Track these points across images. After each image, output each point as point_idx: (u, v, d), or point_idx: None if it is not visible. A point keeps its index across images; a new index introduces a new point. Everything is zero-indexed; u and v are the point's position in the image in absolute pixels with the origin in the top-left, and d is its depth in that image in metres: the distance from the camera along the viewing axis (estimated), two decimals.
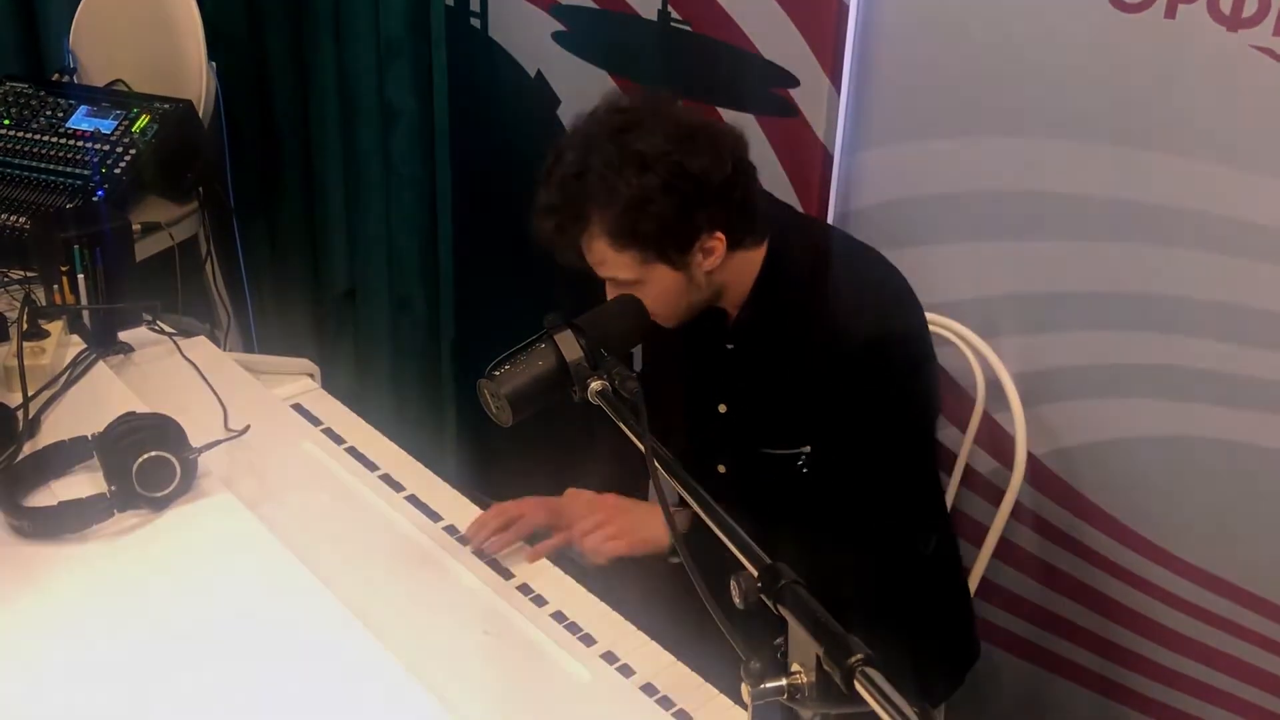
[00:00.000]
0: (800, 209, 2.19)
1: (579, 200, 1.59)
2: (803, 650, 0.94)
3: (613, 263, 1.62)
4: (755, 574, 1.00)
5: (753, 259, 1.69)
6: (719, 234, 1.62)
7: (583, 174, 1.59)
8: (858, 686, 0.87)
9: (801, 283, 1.69)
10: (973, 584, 2.02)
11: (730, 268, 1.67)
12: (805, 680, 0.94)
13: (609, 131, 1.60)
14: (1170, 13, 1.70)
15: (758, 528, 1.71)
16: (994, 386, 2.01)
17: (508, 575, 1.64)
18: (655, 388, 1.85)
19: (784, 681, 0.95)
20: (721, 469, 1.83)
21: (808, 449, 1.72)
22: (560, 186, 1.61)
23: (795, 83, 2.15)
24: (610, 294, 1.66)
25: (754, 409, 1.78)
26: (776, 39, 2.15)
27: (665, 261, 1.61)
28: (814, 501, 1.71)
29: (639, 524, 1.68)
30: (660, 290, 1.64)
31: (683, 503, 1.21)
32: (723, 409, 1.80)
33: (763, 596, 0.98)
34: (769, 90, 2.19)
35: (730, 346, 1.77)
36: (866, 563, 1.66)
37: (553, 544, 1.71)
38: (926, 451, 1.82)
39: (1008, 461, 1.99)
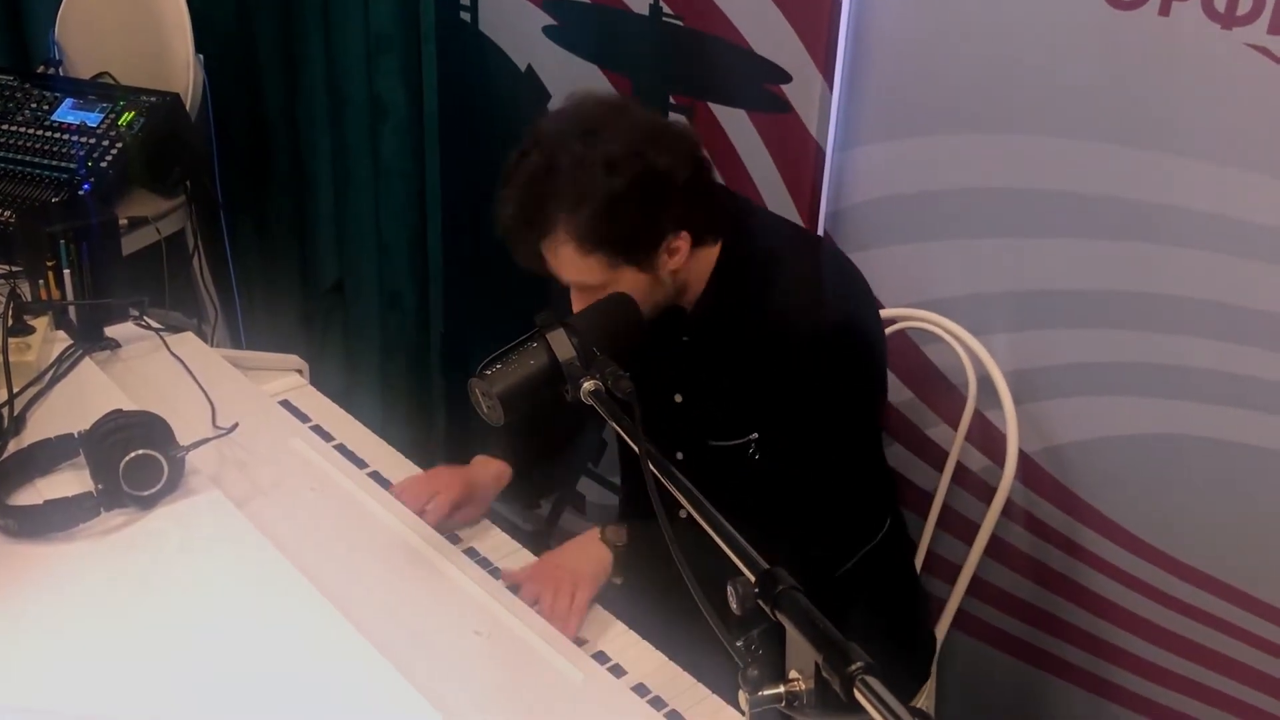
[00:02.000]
0: (791, 204, 2.19)
1: (545, 203, 1.56)
2: (801, 657, 0.93)
3: (579, 267, 1.59)
4: (752, 579, 0.99)
5: (711, 254, 1.69)
6: (684, 233, 1.61)
7: (549, 175, 1.55)
8: (857, 695, 0.86)
9: (755, 274, 1.69)
10: (963, 582, 2.02)
11: (691, 266, 1.66)
12: (803, 688, 0.93)
13: (576, 132, 1.57)
14: (1164, 10, 1.69)
15: (734, 515, 1.74)
16: (985, 384, 2.01)
17: (498, 574, 1.64)
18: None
19: (782, 689, 0.95)
20: (680, 456, 1.81)
21: (755, 436, 1.72)
22: (525, 189, 1.58)
23: (788, 78, 2.14)
24: (576, 301, 1.63)
25: (707, 400, 1.77)
26: (769, 34, 2.14)
27: (633, 264, 1.59)
28: (764, 490, 1.71)
29: (576, 572, 1.63)
30: (628, 290, 1.60)
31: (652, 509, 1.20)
32: (678, 399, 1.79)
33: (760, 602, 0.97)
34: (761, 86, 2.18)
35: (686, 339, 1.76)
36: (815, 550, 1.67)
37: (464, 519, 1.75)
38: (872, 437, 1.83)
39: (999, 459, 1.99)
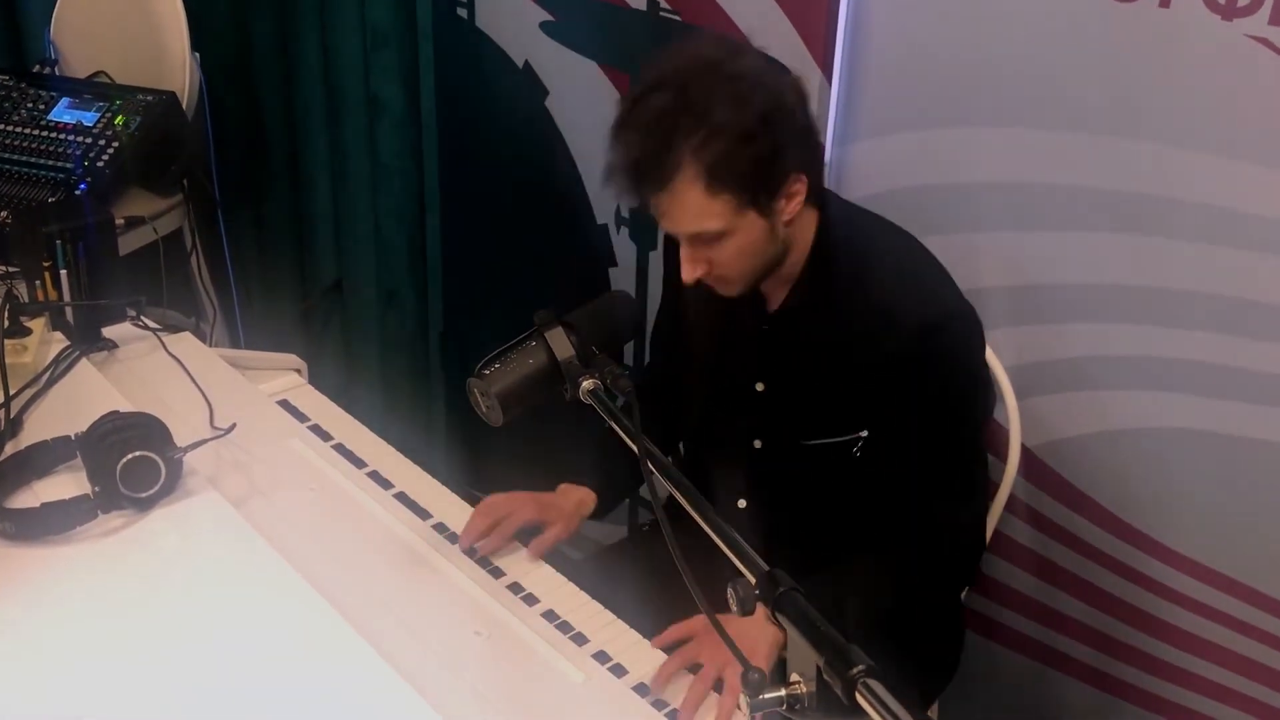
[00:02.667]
0: None
1: (674, 140, 1.47)
2: (802, 660, 0.92)
3: (704, 211, 1.50)
4: (753, 580, 0.98)
5: (812, 219, 1.63)
6: (803, 175, 1.54)
7: (679, 111, 1.47)
8: (859, 698, 0.86)
9: (853, 259, 1.63)
10: None
11: (797, 225, 1.59)
12: (805, 690, 0.93)
13: (700, 67, 1.50)
14: (1164, 2, 1.69)
15: (796, 514, 1.71)
16: None
17: (498, 574, 1.63)
18: (687, 367, 1.86)
19: (783, 692, 0.94)
20: (758, 444, 1.78)
21: (864, 434, 1.66)
22: (652, 127, 1.48)
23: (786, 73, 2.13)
24: (687, 255, 1.56)
25: (794, 394, 1.72)
26: (767, 29, 2.13)
27: (755, 207, 1.51)
28: (870, 488, 1.66)
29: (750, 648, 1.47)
30: (747, 242, 1.54)
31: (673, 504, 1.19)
32: (760, 388, 1.75)
33: (761, 604, 0.97)
34: None
35: (766, 328, 1.71)
36: (915, 549, 1.65)
37: (550, 540, 1.68)
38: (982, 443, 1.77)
39: (1001, 454, 1.98)
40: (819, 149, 1.61)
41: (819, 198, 1.62)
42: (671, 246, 1.77)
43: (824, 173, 1.61)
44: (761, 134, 1.47)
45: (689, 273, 1.57)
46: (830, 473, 1.70)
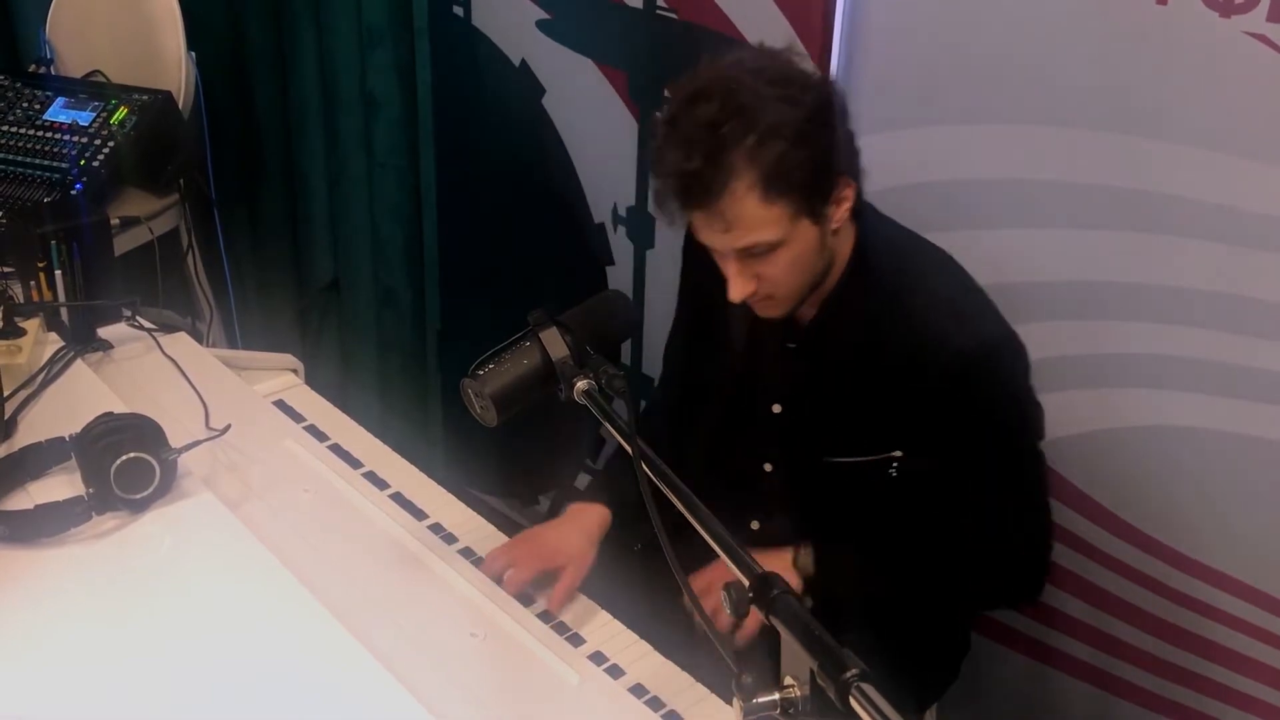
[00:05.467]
0: None
1: (728, 148, 1.41)
2: (796, 663, 0.92)
3: (759, 220, 1.44)
4: (746, 583, 0.98)
5: (848, 233, 1.59)
6: (851, 181, 1.51)
7: (733, 117, 1.41)
8: (853, 702, 0.85)
9: (891, 277, 1.60)
10: None
11: (840, 237, 1.56)
12: (798, 694, 0.92)
13: (746, 72, 1.45)
14: None
15: (812, 530, 1.70)
16: None
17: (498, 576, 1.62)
18: (704, 382, 1.82)
19: (776, 696, 0.94)
20: (768, 467, 1.76)
21: (898, 454, 1.62)
22: (703, 135, 1.42)
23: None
24: (736, 271, 1.50)
25: (818, 414, 1.68)
26: (764, 27, 2.12)
27: (810, 215, 1.47)
28: (903, 508, 1.63)
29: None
30: (800, 253, 1.50)
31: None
32: (777, 409, 1.71)
33: (754, 607, 0.96)
34: None
35: (792, 345, 1.68)
36: (951, 567, 1.64)
37: (565, 590, 1.60)
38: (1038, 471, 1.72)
39: None
40: (859, 155, 1.56)
41: (857, 210, 1.57)
42: (693, 260, 1.75)
43: (859, 168, 1.57)
44: (814, 135, 1.44)
45: (739, 290, 1.51)
46: (853, 491, 1.66)
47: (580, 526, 1.70)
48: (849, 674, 0.87)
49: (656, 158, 1.47)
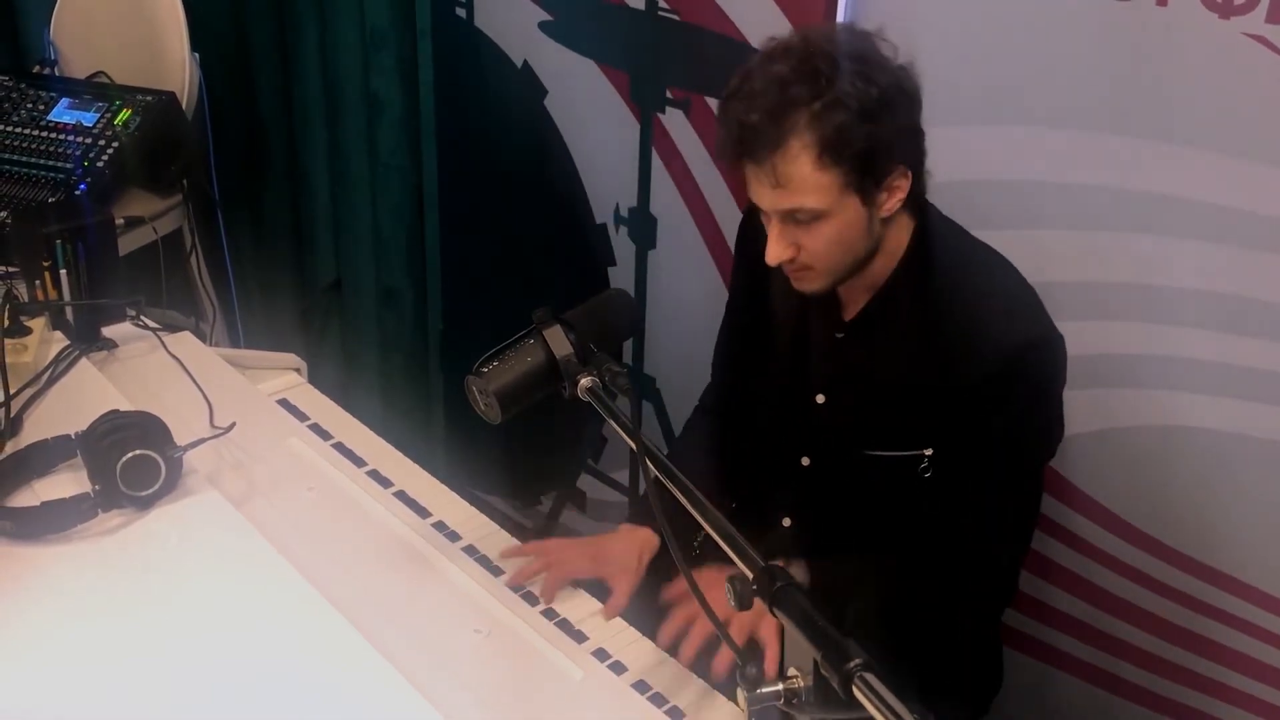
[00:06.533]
0: None
1: (794, 105, 1.42)
2: (799, 654, 0.92)
3: (810, 184, 1.45)
4: (750, 576, 0.99)
5: (905, 227, 1.59)
6: (908, 172, 1.51)
7: (804, 77, 1.42)
8: (856, 692, 0.86)
9: (944, 274, 1.59)
10: None
11: (893, 227, 1.56)
12: (802, 685, 0.93)
13: (823, 41, 1.46)
14: (1162, 0, 1.69)
15: (842, 531, 1.70)
16: None
17: (497, 573, 1.63)
18: (745, 371, 1.83)
19: (780, 686, 0.94)
20: (805, 461, 1.75)
21: (929, 451, 1.62)
22: (773, 89, 1.43)
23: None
24: (777, 234, 1.51)
25: (861, 405, 1.68)
26: (765, 27, 2.12)
27: (859, 193, 1.47)
28: (932, 506, 1.62)
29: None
30: (843, 228, 1.49)
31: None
32: (820, 400, 1.71)
33: (758, 599, 0.97)
34: None
35: (840, 335, 1.68)
36: (970, 572, 1.63)
37: (621, 600, 1.60)
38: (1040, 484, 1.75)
39: None
40: (924, 153, 1.55)
41: (918, 206, 1.58)
42: (746, 248, 1.75)
43: (926, 180, 1.57)
44: (880, 114, 1.43)
45: (777, 253, 1.51)
46: (885, 487, 1.66)
47: (633, 541, 1.70)
48: (852, 664, 0.87)
49: (724, 106, 1.50)
